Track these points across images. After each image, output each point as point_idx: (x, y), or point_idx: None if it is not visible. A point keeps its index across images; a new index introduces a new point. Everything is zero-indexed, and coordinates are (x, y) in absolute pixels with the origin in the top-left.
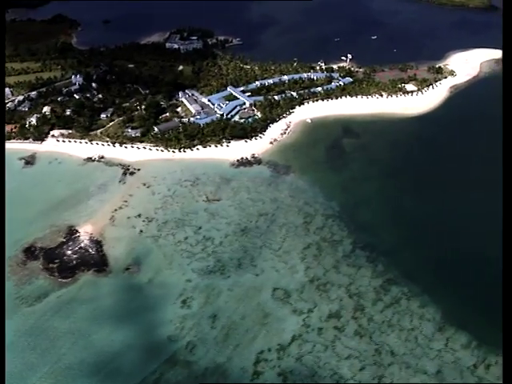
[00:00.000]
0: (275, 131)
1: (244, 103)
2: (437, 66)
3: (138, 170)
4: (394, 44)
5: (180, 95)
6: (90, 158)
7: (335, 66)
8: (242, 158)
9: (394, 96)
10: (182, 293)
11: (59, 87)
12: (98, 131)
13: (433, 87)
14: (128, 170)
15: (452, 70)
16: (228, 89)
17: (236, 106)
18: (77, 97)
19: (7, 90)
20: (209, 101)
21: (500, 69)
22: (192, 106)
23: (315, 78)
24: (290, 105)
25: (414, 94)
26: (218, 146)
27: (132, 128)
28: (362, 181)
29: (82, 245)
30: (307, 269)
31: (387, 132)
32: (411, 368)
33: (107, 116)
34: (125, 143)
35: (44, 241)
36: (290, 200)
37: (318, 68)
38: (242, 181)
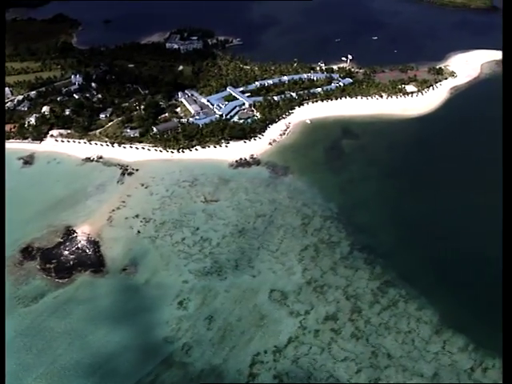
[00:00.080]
0: (274, 132)
1: (243, 104)
2: (437, 66)
3: (137, 170)
4: (395, 45)
5: (179, 95)
6: (89, 158)
7: (335, 67)
8: (241, 159)
9: (393, 97)
10: (179, 294)
11: (59, 87)
12: (97, 131)
13: (433, 88)
14: (126, 170)
15: (452, 71)
16: (227, 89)
17: (235, 107)
18: (76, 97)
19: (7, 89)
20: (208, 101)
21: (501, 70)
22: (191, 106)
23: (315, 78)
24: (290, 105)
25: (414, 95)
26: (217, 146)
27: (131, 128)
28: (360, 182)
29: (80, 245)
30: (304, 270)
31: (386, 133)
32: (408, 371)
33: (106, 116)
34: (123, 143)
35: (41, 241)
36: (288, 201)
37: (318, 69)
38: (241, 182)
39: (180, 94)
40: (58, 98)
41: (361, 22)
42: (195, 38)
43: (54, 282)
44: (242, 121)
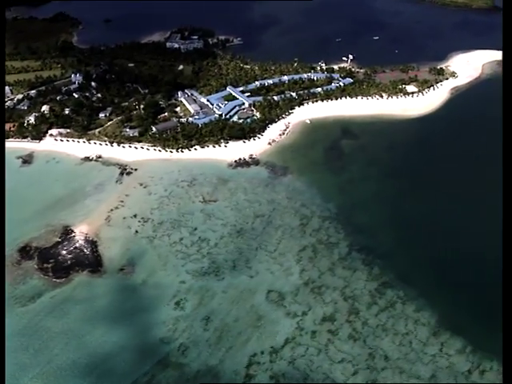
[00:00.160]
0: (274, 132)
1: (243, 103)
2: (438, 67)
3: (135, 169)
4: (396, 45)
5: (179, 95)
6: (88, 158)
7: (336, 67)
8: (240, 159)
9: (394, 97)
10: (176, 294)
11: (59, 86)
12: (96, 130)
13: (434, 88)
14: (125, 169)
15: (453, 72)
16: (227, 89)
17: (235, 106)
18: (76, 96)
19: (6, 88)
20: (208, 101)
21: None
22: (191, 105)
23: (315, 78)
24: (290, 105)
25: (415, 95)
26: (216, 146)
27: (130, 128)
28: (359, 182)
29: (77, 245)
30: (302, 271)
31: (386, 133)
32: (405, 373)
33: (106, 115)
34: (122, 143)
35: (39, 240)
36: (287, 201)
37: (318, 68)
38: (239, 182)
39: (180, 93)
40: (58, 97)
41: (362, 21)
42: (196, 37)
43: (51, 282)
44: (241, 120)
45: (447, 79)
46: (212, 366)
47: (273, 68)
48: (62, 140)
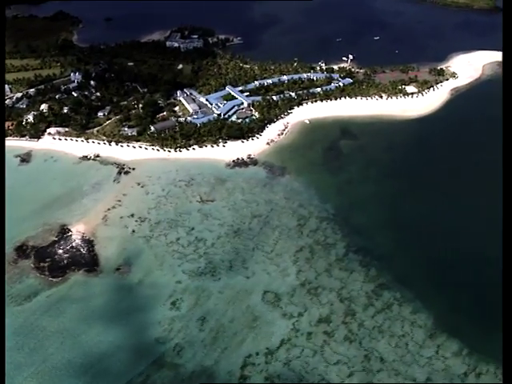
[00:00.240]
0: (272, 132)
1: (242, 103)
2: (438, 67)
3: (133, 169)
4: (397, 45)
5: (178, 94)
6: (86, 157)
7: (336, 67)
8: (238, 159)
9: (393, 98)
10: (172, 294)
11: (58, 85)
12: (95, 129)
13: (433, 89)
14: (123, 169)
15: (454, 72)
16: (226, 88)
17: (234, 106)
18: (75, 94)
19: (6, 86)
20: (207, 100)
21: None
22: (190, 105)
23: (315, 78)
24: (289, 105)
25: (415, 95)
26: (214, 146)
27: (128, 127)
28: (358, 183)
29: (74, 244)
30: (299, 272)
31: (385, 134)
32: (400, 375)
33: (104, 114)
34: (121, 142)
35: (36, 239)
36: (285, 202)
37: (318, 68)
38: (237, 182)
39: (179, 92)
40: (57, 96)
41: (362, 22)
42: (196, 36)
43: (47, 281)
44: (240, 120)
45: (447, 80)
46: (207, 366)
47: (272, 68)
48: (60, 139)
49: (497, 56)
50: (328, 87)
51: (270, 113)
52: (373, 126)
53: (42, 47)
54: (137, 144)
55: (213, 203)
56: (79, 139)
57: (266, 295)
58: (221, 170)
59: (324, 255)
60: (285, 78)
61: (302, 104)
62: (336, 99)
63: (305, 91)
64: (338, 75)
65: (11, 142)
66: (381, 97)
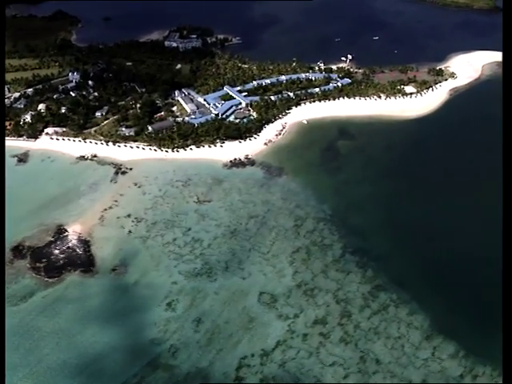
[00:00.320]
0: (270, 132)
1: (240, 103)
2: (438, 67)
3: (130, 169)
4: (396, 45)
5: (176, 94)
6: (83, 157)
7: (334, 67)
8: (235, 159)
9: (392, 98)
10: (168, 295)
11: (56, 84)
12: (92, 129)
13: (432, 89)
14: (120, 169)
15: (453, 72)
16: (225, 88)
17: (232, 106)
18: (73, 94)
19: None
20: (205, 100)
21: (501, 71)
22: (188, 105)
23: (313, 78)
24: (287, 105)
25: (413, 96)
26: (212, 146)
27: (126, 127)
28: (355, 184)
29: (70, 244)
30: (295, 273)
31: (384, 134)
32: (396, 377)
33: (102, 114)
34: (118, 142)
35: (32, 240)
36: (282, 202)
37: (316, 68)
38: (234, 182)
39: (177, 92)
40: (55, 96)
41: (362, 21)
42: (194, 36)
43: (43, 281)
44: (237, 120)
45: (446, 80)
46: (202, 367)
47: (271, 68)
48: (57, 139)
49: (496, 56)
50: (326, 87)
51: (268, 113)
52: (371, 126)
53: (40, 47)
54: (134, 144)
55: (210, 204)
56: (77, 139)
57: (262, 296)
58: (218, 171)
59: (320, 256)
60: (283, 78)
61: (300, 104)
62: (334, 99)
63: (303, 91)
64: (336, 75)
65: (9, 142)
66: (379, 97)
